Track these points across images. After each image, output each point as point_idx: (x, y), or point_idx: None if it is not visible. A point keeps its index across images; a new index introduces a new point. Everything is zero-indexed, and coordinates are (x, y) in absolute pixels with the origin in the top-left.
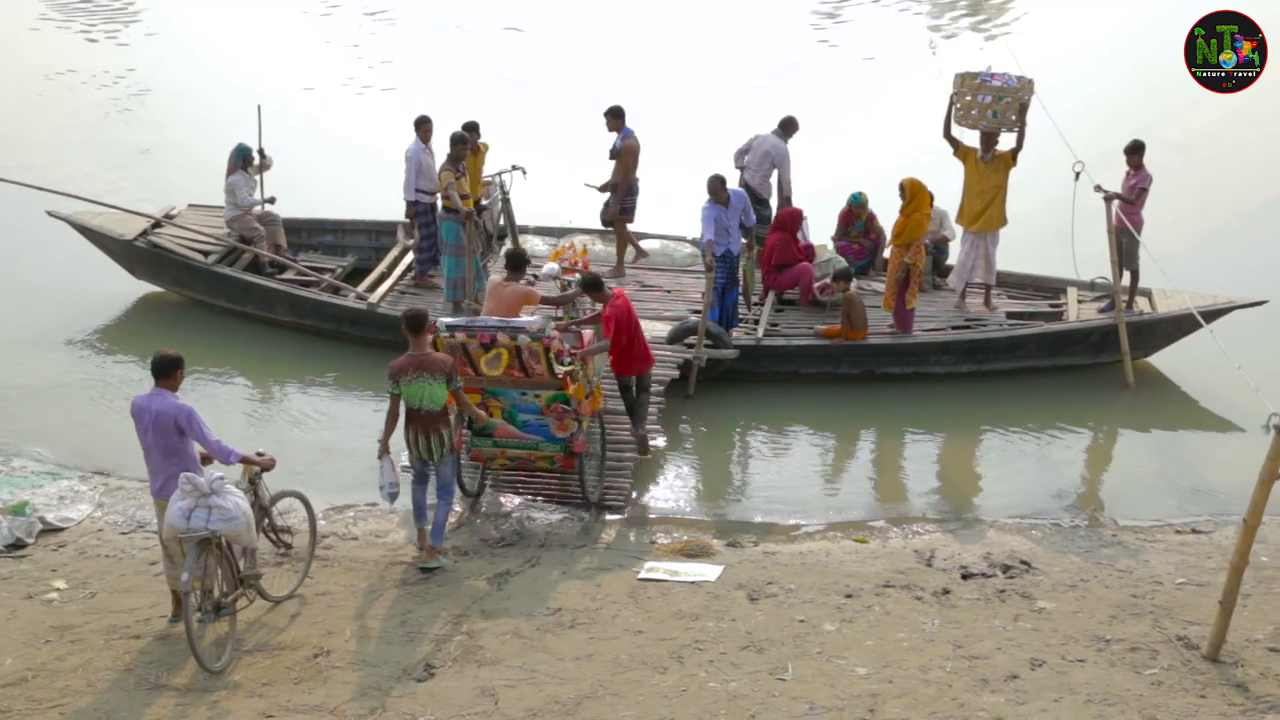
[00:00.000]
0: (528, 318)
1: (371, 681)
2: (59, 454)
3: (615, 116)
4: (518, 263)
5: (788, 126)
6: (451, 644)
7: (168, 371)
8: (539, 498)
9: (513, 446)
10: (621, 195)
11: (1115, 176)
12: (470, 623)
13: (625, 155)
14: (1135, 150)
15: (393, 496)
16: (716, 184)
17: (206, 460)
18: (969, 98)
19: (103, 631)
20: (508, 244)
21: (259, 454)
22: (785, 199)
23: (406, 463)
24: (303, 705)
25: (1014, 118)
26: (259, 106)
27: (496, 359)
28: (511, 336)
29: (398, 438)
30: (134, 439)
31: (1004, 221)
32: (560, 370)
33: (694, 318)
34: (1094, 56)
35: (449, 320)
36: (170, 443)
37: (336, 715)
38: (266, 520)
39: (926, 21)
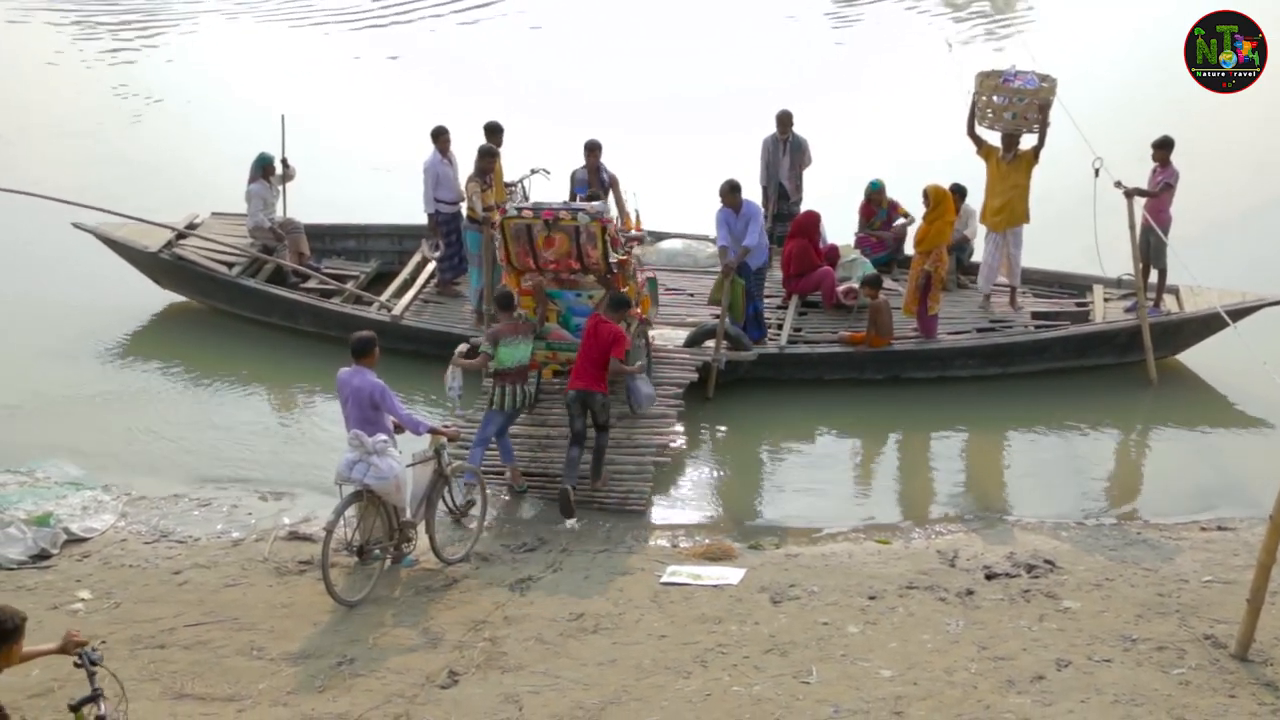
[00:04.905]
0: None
1: (395, 689)
2: (82, 464)
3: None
4: None
5: (781, 122)
6: (475, 650)
7: (365, 350)
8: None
9: (564, 349)
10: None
11: (1139, 170)
12: (493, 629)
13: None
14: (1163, 146)
15: (459, 396)
16: (725, 188)
17: (400, 431)
18: (986, 98)
19: (127, 642)
20: None
21: (445, 425)
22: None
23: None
24: (327, 713)
25: (1032, 117)
26: (283, 116)
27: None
28: (573, 215)
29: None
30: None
31: (1026, 219)
32: (614, 258)
33: (714, 321)
34: (1114, 49)
35: (517, 204)
36: (366, 413)
37: None
38: (447, 488)
39: (943, 19)
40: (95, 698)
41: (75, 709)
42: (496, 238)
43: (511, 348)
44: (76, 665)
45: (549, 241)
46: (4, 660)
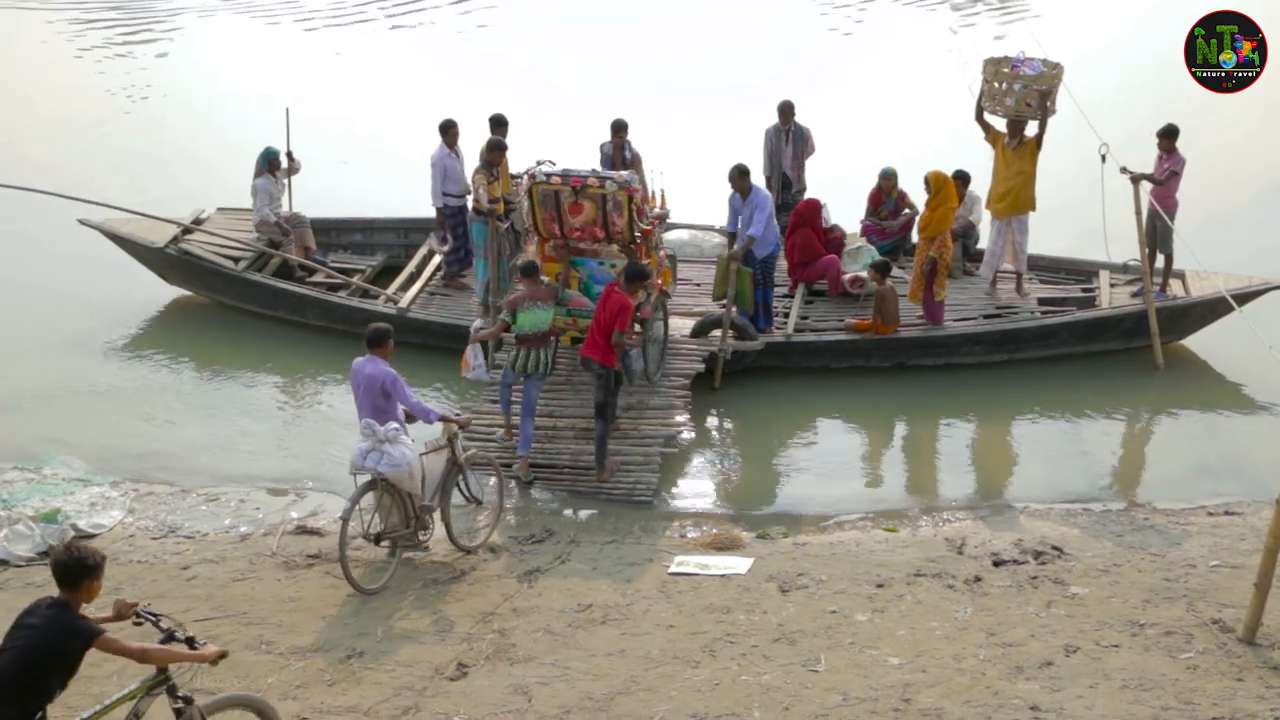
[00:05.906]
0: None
1: (404, 682)
2: (90, 460)
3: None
4: None
5: (782, 112)
6: (483, 642)
7: (380, 341)
8: (571, 493)
9: (583, 315)
10: None
11: (1144, 156)
12: (501, 620)
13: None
14: (1168, 134)
15: (486, 374)
16: (734, 172)
17: (412, 420)
18: (989, 84)
19: (136, 637)
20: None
21: (456, 414)
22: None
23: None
24: (337, 706)
25: (1033, 104)
26: (287, 109)
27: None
28: (600, 183)
29: None
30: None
31: (1032, 206)
32: (640, 227)
33: (720, 310)
34: (1120, 35)
35: (547, 169)
36: (377, 402)
37: (370, 716)
38: (461, 475)
39: (947, 6)
40: (172, 634)
41: None
42: (524, 204)
43: (530, 313)
44: (136, 624)
45: (576, 208)
46: (86, 594)
